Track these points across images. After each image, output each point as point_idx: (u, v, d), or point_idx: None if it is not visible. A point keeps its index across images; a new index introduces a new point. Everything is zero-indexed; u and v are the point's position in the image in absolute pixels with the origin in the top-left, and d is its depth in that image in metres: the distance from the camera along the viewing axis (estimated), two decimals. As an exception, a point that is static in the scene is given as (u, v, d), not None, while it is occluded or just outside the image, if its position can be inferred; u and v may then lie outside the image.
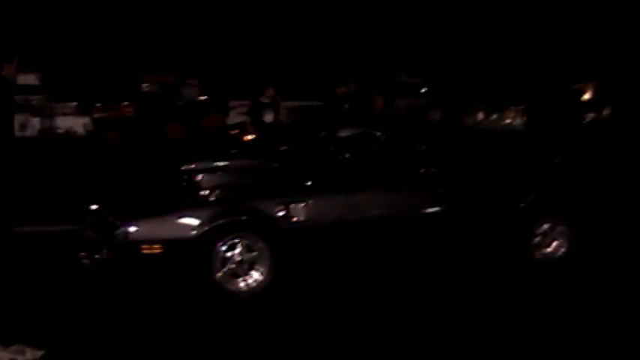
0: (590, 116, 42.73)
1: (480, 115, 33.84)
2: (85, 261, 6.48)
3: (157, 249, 6.02)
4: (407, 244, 7.00)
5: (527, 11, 52.46)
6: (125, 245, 6.00)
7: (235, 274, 6.27)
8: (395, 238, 6.88)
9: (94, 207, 6.81)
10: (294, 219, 6.38)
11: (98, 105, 25.34)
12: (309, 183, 6.94)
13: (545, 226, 7.52)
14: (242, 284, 6.29)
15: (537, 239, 7.50)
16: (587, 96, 44.23)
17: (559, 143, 15.09)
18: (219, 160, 7.37)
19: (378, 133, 7.45)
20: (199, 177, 6.86)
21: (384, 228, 6.77)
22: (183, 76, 30.80)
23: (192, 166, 7.02)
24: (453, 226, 7.11)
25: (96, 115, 24.61)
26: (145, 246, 6.00)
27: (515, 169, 7.69)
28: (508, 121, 33.98)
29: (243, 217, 6.29)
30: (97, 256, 6.20)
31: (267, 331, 5.66)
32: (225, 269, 6.23)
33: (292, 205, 6.39)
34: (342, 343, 5.39)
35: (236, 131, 15.01)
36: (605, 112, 43.32)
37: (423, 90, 38.40)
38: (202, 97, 31.22)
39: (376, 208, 6.75)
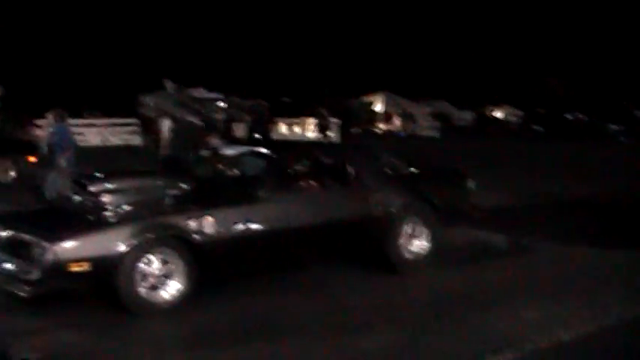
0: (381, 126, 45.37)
1: (283, 128, 35.08)
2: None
3: (85, 266, 6.40)
4: (300, 247, 7.80)
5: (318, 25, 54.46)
6: (54, 264, 6.33)
7: (155, 287, 6.76)
8: (290, 243, 7.63)
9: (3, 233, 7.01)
10: (206, 231, 6.95)
11: None
12: (213, 198, 7.54)
13: (408, 228, 8.53)
14: (164, 294, 6.79)
15: (402, 240, 8.47)
16: (377, 107, 46.90)
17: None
18: (126, 179, 7.75)
19: (265, 151, 8.14)
20: (110, 196, 7.25)
21: (282, 234, 7.50)
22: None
23: (102, 185, 7.37)
24: (336, 230, 7.96)
25: None
26: (73, 264, 6.37)
27: (382, 178, 8.59)
28: (309, 133, 35.50)
29: (161, 233, 6.80)
30: (25, 278, 6.45)
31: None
32: (145, 282, 6.70)
33: (203, 219, 6.96)
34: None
35: None
36: (396, 121, 46.14)
37: (221, 104, 38.93)
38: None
39: (274, 217, 7.45)
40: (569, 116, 47.23)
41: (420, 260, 8.59)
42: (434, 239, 8.67)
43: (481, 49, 60.06)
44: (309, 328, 6.47)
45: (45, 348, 5.94)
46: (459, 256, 9.10)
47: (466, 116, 51.15)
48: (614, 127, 44.25)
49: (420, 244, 8.63)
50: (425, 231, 8.65)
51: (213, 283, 7.29)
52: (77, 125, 31.88)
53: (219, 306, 7.03)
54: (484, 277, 8.25)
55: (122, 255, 6.50)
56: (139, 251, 6.61)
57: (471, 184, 9.49)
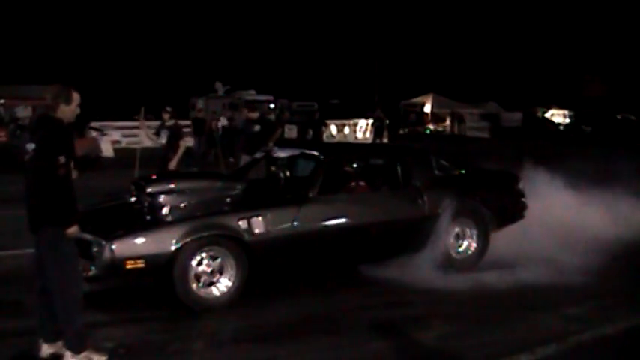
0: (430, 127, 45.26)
1: (333, 130, 35.17)
2: None
3: (140, 264, 6.63)
4: (347, 247, 7.94)
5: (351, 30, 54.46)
6: (111, 261, 6.57)
7: (208, 283, 6.97)
8: (338, 242, 7.79)
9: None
10: (255, 231, 7.13)
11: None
12: (264, 199, 7.75)
13: (458, 229, 8.62)
14: (215, 291, 7.00)
15: (450, 240, 8.56)
16: (427, 108, 46.82)
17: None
18: (182, 181, 7.99)
19: (316, 153, 8.31)
20: (166, 197, 7.51)
21: (329, 234, 7.67)
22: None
23: (159, 187, 7.62)
24: (385, 230, 8.08)
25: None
26: (129, 261, 6.60)
27: (431, 180, 8.67)
28: (360, 134, 35.61)
29: (212, 233, 6.99)
30: (85, 275, 6.68)
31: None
32: (199, 280, 6.92)
33: (253, 219, 7.15)
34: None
35: None
36: (446, 122, 46.00)
37: (272, 106, 39.18)
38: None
39: (321, 218, 7.62)
40: (618, 117, 46.57)
41: (469, 260, 8.66)
42: (484, 240, 8.74)
43: (529, 50, 59.64)
44: (363, 322, 6.67)
45: (117, 338, 6.19)
46: (508, 255, 9.12)
47: (515, 117, 50.74)
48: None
49: (469, 245, 8.72)
50: (474, 232, 8.72)
51: (265, 281, 7.51)
52: (132, 128, 32.60)
53: (271, 302, 7.26)
54: (532, 275, 8.28)
55: (174, 253, 6.72)
56: (191, 250, 6.82)
57: (521, 185, 9.53)
